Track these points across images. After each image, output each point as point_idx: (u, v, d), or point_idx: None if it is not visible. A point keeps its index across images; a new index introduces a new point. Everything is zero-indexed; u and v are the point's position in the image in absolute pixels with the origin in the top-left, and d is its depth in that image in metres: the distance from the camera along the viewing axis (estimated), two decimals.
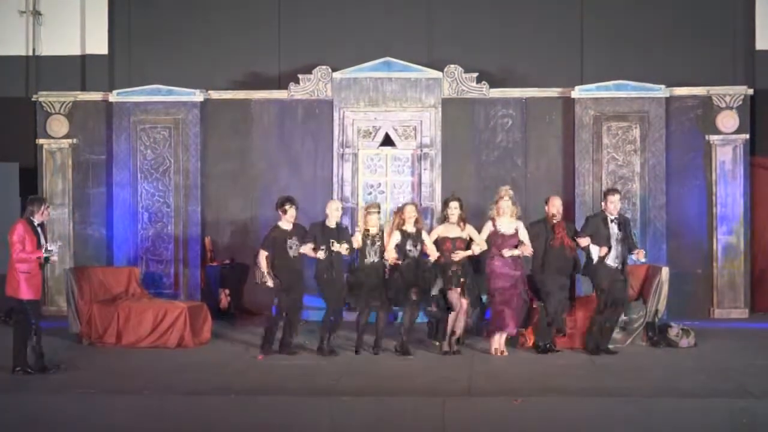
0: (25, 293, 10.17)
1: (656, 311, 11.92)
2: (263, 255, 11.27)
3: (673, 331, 11.79)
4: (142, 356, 11.29)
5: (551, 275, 11.32)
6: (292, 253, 11.26)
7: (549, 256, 11.29)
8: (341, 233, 11.37)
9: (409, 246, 11.28)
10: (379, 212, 11.56)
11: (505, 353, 11.18)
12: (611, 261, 11.26)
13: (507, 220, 11.26)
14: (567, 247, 11.31)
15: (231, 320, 13.80)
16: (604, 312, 11.30)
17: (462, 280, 11.20)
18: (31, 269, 10.20)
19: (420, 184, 14.54)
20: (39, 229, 10.32)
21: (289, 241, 11.24)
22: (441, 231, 11.36)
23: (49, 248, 10.23)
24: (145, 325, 12.00)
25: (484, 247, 11.23)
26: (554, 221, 11.35)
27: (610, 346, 11.36)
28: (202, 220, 14.64)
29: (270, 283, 11.27)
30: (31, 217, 10.31)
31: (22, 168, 14.65)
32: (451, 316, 11.17)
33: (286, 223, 11.31)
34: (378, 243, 11.33)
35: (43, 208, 10.41)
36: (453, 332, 11.24)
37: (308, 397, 9.13)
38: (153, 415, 8.82)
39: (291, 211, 11.31)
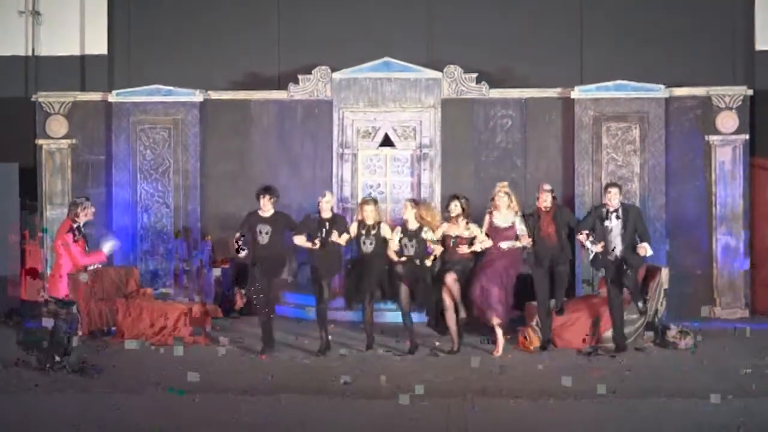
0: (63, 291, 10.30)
1: (656, 312, 11.94)
2: (236, 235, 11.42)
3: (672, 332, 11.81)
4: (141, 356, 11.29)
5: (537, 266, 11.50)
6: (260, 239, 11.35)
7: (536, 247, 11.43)
8: (338, 222, 11.47)
9: (406, 243, 11.34)
10: (375, 204, 11.58)
11: (507, 354, 11.21)
12: (611, 255, 11.32)
13: (503, 214, 11.38)
14: (547, 236, 11.38)
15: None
16: (617, 301, 11.39)
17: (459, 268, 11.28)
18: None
19: (419, 184, 14.54)
20: (81, 231, 10.39)
21: (259, 225, 11.36)
22: (444, 229, 11.47)
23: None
24: (145, 324, 12.04)
25: (489, 243, 11.31)
26: (544, 209, 11.45)
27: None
28: (202, 220, 14.64)
29: (242, 255, 11.38)
30: (74, 222, 10.33)
31: (22, 168, 14.61)
32: (450, 314, 11.25)
33: (262, 211, 11.45)
34: (373, 233, 11.39)
35: (79, 209, 10.43)
36: (454, 326, 11.29)
37: (308, 397, 9.14)
38: (153, 414, 8.82)
39: (263, 201, 11.43)
